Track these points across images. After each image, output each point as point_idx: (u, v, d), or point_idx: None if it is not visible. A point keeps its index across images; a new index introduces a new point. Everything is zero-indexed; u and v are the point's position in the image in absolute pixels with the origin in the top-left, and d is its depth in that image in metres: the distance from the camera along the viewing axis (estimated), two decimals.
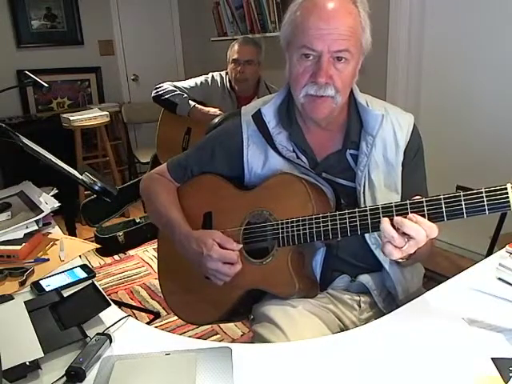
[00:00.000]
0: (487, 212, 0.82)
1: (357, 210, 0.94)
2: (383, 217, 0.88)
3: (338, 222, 0.96)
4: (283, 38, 1.06)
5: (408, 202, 0.88)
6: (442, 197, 0.85)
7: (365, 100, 1.11)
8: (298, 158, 1.10)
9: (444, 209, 0.85)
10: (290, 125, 1.11)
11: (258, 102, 1.19)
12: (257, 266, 1.06)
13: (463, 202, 0.83)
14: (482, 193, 0.82)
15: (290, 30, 1.02)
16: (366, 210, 0.92)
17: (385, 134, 1.08)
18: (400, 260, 0.98)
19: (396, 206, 0.88)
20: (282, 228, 1.03)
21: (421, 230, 0.83)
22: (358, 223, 0.93)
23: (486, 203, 0.81)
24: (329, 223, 0.97)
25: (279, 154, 1.10)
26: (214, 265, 1.03)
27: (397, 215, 0.87)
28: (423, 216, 0.85)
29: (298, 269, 1.05)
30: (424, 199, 0.86)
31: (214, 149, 1.19)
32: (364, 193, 1.06)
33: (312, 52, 0.98)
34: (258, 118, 1.12)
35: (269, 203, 1.07)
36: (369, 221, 0.92)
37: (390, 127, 1.08)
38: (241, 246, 1.06)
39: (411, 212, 0.86)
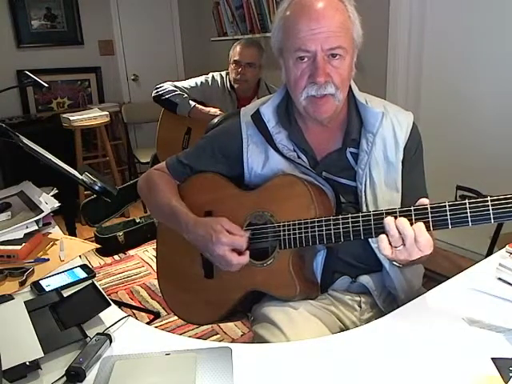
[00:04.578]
0: (492, 221, 0.81)
1: (360, 214, 0.93)
2: None
3: (340, 226, 0.95)
4: (275, 45, 1.06)
5: (412, 207, 0.87)
6: (446, 204, 0.85)
7: (364, 98, 1.11)
8: (298, 157, 1.10)
9: (449, 216, 0.84)
10: (289, 124, 1.11)
11: (257, 103, 1.19)
12: (258, 268, 1.06)
13: (468, 211, 0.82)
14: (487, 201, 0.81)
15: (280, 35, 1.03)
16: (369, 215, 0.92)
17: (384, 133, 1.08)
18: (397, 265, 1.00)
19: (400, 212, 0.88)
20: (284, 230, 1.02)
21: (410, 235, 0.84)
22: (361, 228, 0.93)
23: (491, 212, 0.80)
24: (331, 227, 0.96)
25: (280, 153, 1.10)
26: (222, 250, 1.00)
27: None
28: (427, 223, 0.85)
29: (299, 271, 1.04)
30: (429, 206, 0.86)
31: (213, 148, 1.19)
32: (365, 191, 1.06)
33: (306, 53, 0.98)
34: (257, 117, 1.12)
35: (270, 204, 1.07)
36: (372, 226, 0.91)
37: (390, 125, 1.08)
38: (249, 233, 1.04)
39: (415, 218, 0.86)
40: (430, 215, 0.85)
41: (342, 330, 1.09)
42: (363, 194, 1.06)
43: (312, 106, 1.02)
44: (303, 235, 1.00)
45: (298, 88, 1.02)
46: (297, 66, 1.00)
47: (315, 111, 1.03)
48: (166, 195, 1.17)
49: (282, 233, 1.03)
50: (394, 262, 0.99)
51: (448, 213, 0.84)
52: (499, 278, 1.02)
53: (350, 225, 0.94)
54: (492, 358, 0.77)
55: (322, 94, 1.00)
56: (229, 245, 1.01)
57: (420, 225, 0.84)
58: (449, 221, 0.84)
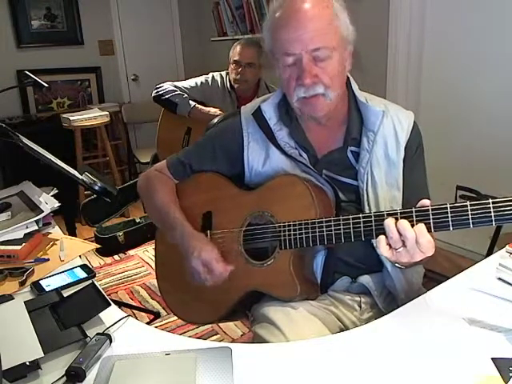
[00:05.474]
0: (494, 223, 0.80)
1: (361, 215, 0.93)
2: None
3: (341, 226, 0.95)
4: (267, 47, 1.07)
5: (414, 209, 0.87)
6: (448, 206, 0.84)
7: (364, 97, 1.11)
8: (299, 155, 1.10)
9: (450, 218, 0.84)
10: (290, 122, 1.11)
11: (257, 101, 1.19)
12: (257, 268, 1.06)
13: (470, 213, 0.82)
14: (489, 203, 0.80)
15: (269, 41, 1.04)
16: (370, 216, 0.91)
17: (385, 131, 1.08)
18: (399, 266, 0.99)
19: (401, 213, 0.87)
20: (285, 231, 1.02)
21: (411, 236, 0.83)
22: (361, 229, 0.92)
23: (492, 214, 0.80)
24: (332, 228, 0.96)
25: (281, 150, 1.10)
26: (197, 265, 1.05)
27: None
28: (428, 224, 0.85)
29: (300, 271, 1.04)
30: (430, 207, 0.85)
31: (214, 147, 1.19)
32: (367, 190, 1.06)
33: (292, 56, 0.99)
34: (258, 114, 1.12)
35: (270, 205, 1.07)
36: (373, 227, 0.91)
37: (391, 124, 1.08)
38: (227, 274, 1.06)
39: (416, 220, 0.86)
40: (431, 217, 0.85)
41: (342, 330, 1.08)
42: (365, 192, 1.06)
43: (304, 107, 1.03)
44: (304, 236, 1.00)
45: (289, 90, 1.03)
46: (285, 69, 1.01)
47: (309, 110, 1.04)
48: (165, 203, 1.18)
49: (282, 233, 1.03)
50: (397, 264, 0.99)
51: (449, 215, 0.84)
52: (499, 278, 1.02)
53: (351, 226, 0.94)
54: (492, 358, 0.77)
55: (311, 95, 1.00)
56: (205, 263, 1.04)
57: (421, 226, 0.84)
58: (450, 223, 0.84)
